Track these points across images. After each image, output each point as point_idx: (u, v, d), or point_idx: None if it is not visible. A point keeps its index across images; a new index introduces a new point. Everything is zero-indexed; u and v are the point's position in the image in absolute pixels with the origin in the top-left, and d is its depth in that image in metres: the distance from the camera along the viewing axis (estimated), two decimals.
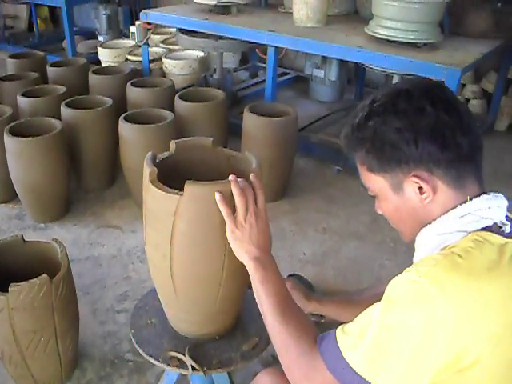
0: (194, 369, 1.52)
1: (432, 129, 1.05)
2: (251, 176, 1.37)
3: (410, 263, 1.18)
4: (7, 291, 1.61)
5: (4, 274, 1.74)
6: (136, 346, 1.64)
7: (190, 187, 1.35)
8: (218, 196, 1.31)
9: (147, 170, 1.44)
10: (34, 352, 1.72)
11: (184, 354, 1.54)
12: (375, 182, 1.16)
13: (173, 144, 1.61)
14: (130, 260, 2.62)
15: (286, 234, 2.86)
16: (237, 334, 1.69)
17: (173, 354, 1.56)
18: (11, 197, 3.02)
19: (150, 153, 1.52)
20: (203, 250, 1.43)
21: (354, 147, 1.16)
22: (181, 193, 1.36)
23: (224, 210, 1.31)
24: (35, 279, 1.63)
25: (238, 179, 1.34)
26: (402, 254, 2.63)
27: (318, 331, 1.22)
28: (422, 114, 1.06)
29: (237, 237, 1.32)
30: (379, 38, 3.04)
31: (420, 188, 1.08)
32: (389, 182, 1.13)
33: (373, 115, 1.10)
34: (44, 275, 1.64)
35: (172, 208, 1.38)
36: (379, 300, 1.03)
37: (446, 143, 1.05)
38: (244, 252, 1.32)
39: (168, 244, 1.44)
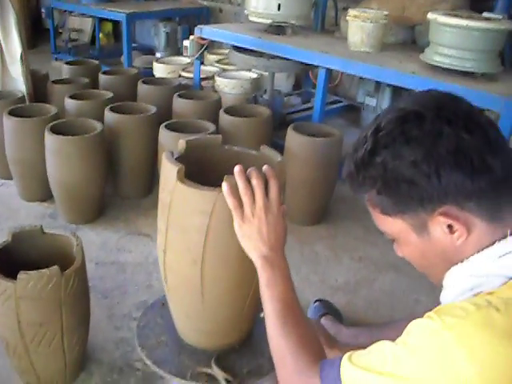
0: (227, 381, 1.42)
1: (455, 154, 0.86)
2: (264, 166, 1.23)
3: None
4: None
5: (20, 263, 1.69)
6: (154, 367, 1.55)
7: (228, 182, 1.23)
8: (225, 187, 1.19)
9: (174, 169, 1.33)
10: (39, 346, 1.65)
11: (211, 368, 1.46)
12: (392, 225, 0.99)
13: (182, 143, 1.53)
14: (155, 269, 2.54)
15: (320, 259, 2.74)
16: (257, 339, 1.59)
17: (203, 369, 1.47)
18: (48, 196, 3.01)
19: (168, 151, 1.44)
20: (238, 250, 1.30)
21: (361, 188, 0.98)
22: (218, 189, 1.26)
23: (231, 202, 1.18)
24: (45, 270, 1.56)
25: (250, 168, 1.21)
26: (439, 290, 2.46)
27: (321, 348, 1.09)
28: (439, 138, 0.87)
29: (244, 232, 1.19)
30: (434, 65, 2.93)
31: (449, 226, 0.91)
32: (409, 223, 0.96)
33: (379, 148, 0.92)
34: (54, 266, 1.58)
35: (208, 207, 1.27)
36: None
37: (474, 169, 0.86)
38: (252, 249, 1.19)
39: (201, 247, 1.33)
